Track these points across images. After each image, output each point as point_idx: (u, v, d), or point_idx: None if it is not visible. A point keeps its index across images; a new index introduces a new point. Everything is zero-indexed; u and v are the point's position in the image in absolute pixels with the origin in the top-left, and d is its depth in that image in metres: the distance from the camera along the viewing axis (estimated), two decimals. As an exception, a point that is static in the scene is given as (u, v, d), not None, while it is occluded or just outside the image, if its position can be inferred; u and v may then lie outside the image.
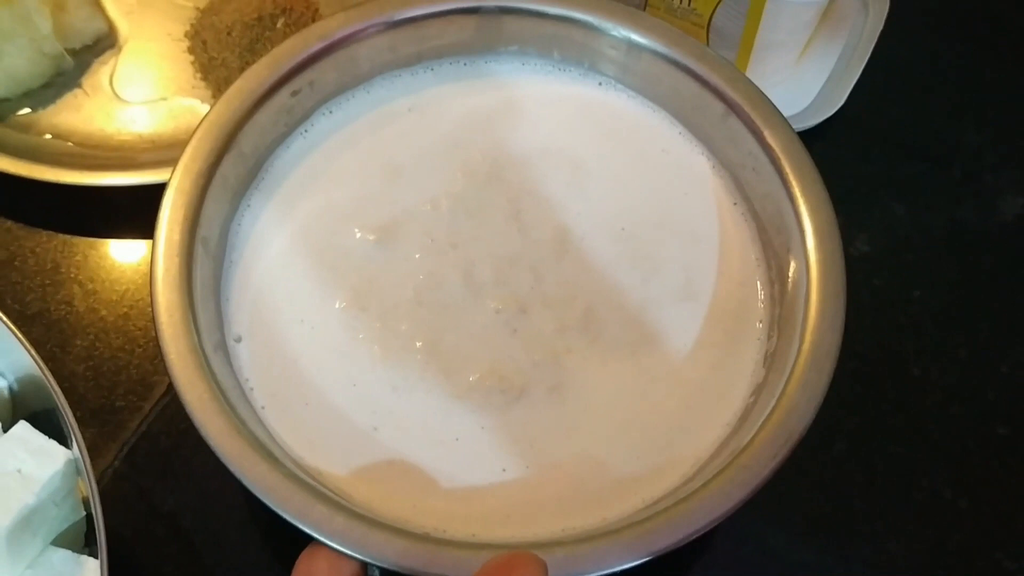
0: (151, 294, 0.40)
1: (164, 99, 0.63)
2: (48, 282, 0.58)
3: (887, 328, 0.59)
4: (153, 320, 0.40)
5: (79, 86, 0.63)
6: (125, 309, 0.57)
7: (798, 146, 0.45)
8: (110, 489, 0.52)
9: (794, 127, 0.45)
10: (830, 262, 0.42)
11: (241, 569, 0.51)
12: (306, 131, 0.48)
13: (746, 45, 0.59)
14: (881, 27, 0.65)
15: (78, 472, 0.43)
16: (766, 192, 0.45)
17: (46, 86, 0.63)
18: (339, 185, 0.47)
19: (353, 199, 0.46)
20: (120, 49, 0.65)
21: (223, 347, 0.42)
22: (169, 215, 0.42)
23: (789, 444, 0.38)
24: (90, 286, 0.58)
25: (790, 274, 0.44)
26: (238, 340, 0.43)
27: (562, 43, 0.49)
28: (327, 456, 0.41)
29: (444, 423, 0.41)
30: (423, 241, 0.45)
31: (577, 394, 0.43)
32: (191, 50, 0.64)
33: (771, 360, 0.43)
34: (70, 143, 0.61)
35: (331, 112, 0.48)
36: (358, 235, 0.45)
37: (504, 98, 0.49)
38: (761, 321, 0.44)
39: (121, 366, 0.55)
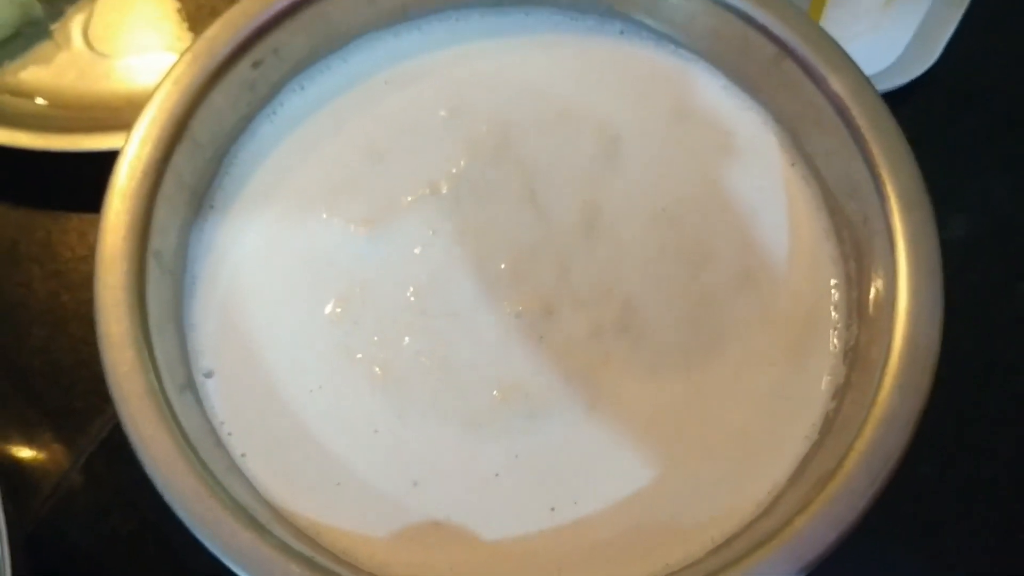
0: (95, 327, 0.33)
1: (145, 52, 0.56)
2: (4, 262, 0.51)
3: (987, 329, 0.50)
4: (100, 360, 0.32)
5: (49, 36, 0.56)
6: (90, 294, 0.50)
7: (869, 92, 0.37)
8: (64, 505, 0.46)
9: (878, 87, 0.37)
10: (920, 232, 0.35)
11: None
12: (274, 112, 0.40)
13: None
14: None
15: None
16: (831, 149, 0.38)
17: (11, 37, 0.56)
18: (318, 175, 0.39)
19: (336, 188, 0.39)
20: None
21: (191, 385, 0.35)
22: (110, 225, 0.35)
23: (889, 466, 0.32)
24: (51, 267, 0.51)
25: (868, 249, 0.37)
26: (208, 375, 0.36)
27: (573, -18, 0.41)
28: (330, 512, 0.34)
29: (474, 457, 0.35)
30: (423, 234, 0.38)
31: (622, 412, 0.36)
32: None
33: (853, 355, 0.36)
34: (37, 100, 0.55)
35: (303, 87, 0.41)
36: (344, 230, 0.38)
37: (508, 58, 0.42)
38: (836, 307, 0.38)
39: (82, 360, 0.49)
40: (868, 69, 0.42)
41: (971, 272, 0.51)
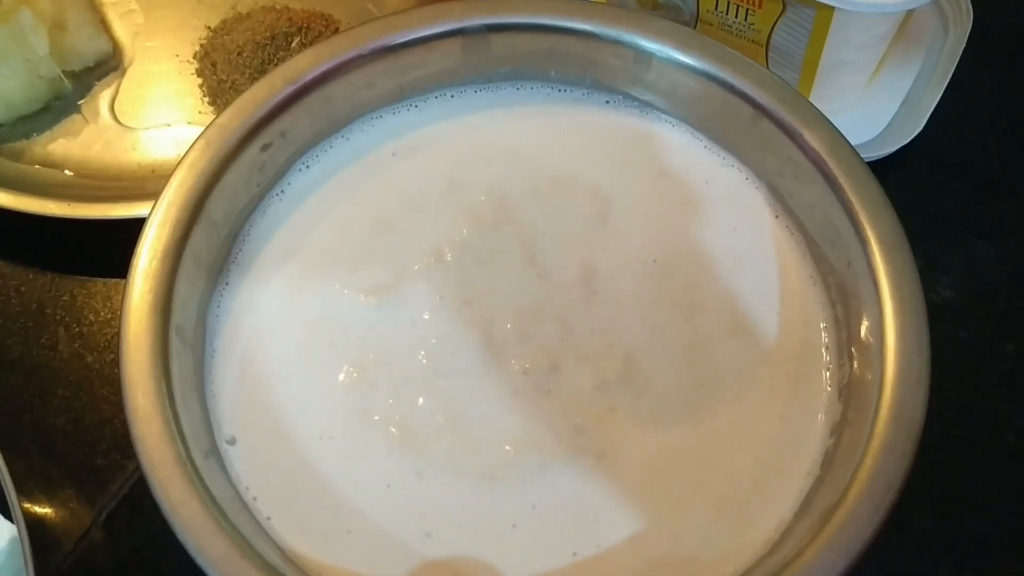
0: (123, 400, 0.34)
1: (168, 125, 0.58)
2: (31, 324, 0.53)
3: (975, 387, 0.50)
4: (128, 431, 0.34)
5: (78, 111, 0.59)
6: (113, 355, 0.51)
7: (844, 145, 0.40)
8: (85, 561, 0.46)
9: (865, 156, 0.39)
10: (902, 273, 0.37)
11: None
12: (282, 191, 0.42)
13: (810, 64, 0.52)
14: (963, 45, 0.57)
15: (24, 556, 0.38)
16: (811, 201, 0.40)
17: (42, 111, 0.59)
18: (326, 248, 0.41)
19: (344, 261, 0.41)
20: (124, 72, 0.61)
21: (215, 452, 0.36)
22: (135, 305, 0.36)
23: (891, 494, 0.33)
24: (76, 329, 0.52)
25: (854, 291, 0.38)
26: (231, 442, 0.37)
27: (560, 58, 0.44)
28: (357, 570, 0.35)
29: (492, 510, 0.36)
30: (430, 299, 0.40)
31: (630, 460, 0.37)
32: (199, 72, 0.60)
33: (847, 392, 0.38)
34: (65, 172, 0.57)
35: (308, 167, 0.43)
36: (354, 300, 0.40)
37: (502, 130, 0.44)
38: (827, 348, 0.39)
39: (105, 419, 0.50)
40: (856, 139, 0.45)
41: (959, 333, 0.52)
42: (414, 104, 0.44)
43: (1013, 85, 0.61)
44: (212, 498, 0.33)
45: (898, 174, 0.55)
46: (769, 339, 0.39)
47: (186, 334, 0.37)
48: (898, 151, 0.54)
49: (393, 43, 0.42)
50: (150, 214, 0.38)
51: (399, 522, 0.36)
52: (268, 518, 0.36)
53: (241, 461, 0.37)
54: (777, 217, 0.42)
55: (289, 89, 0.41)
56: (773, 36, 0.51)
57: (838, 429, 0.37)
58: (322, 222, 0.42)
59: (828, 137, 0.40)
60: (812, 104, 0.41)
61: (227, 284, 0.40)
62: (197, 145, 0.39)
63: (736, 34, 0.52)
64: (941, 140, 0.56)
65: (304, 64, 0.41)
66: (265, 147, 0.41)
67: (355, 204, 0.42)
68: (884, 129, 0.55)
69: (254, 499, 0.36)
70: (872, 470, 0.33)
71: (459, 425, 0.37)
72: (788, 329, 0.40)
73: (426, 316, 0.40)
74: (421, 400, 0.38)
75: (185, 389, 0.36)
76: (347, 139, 0.44)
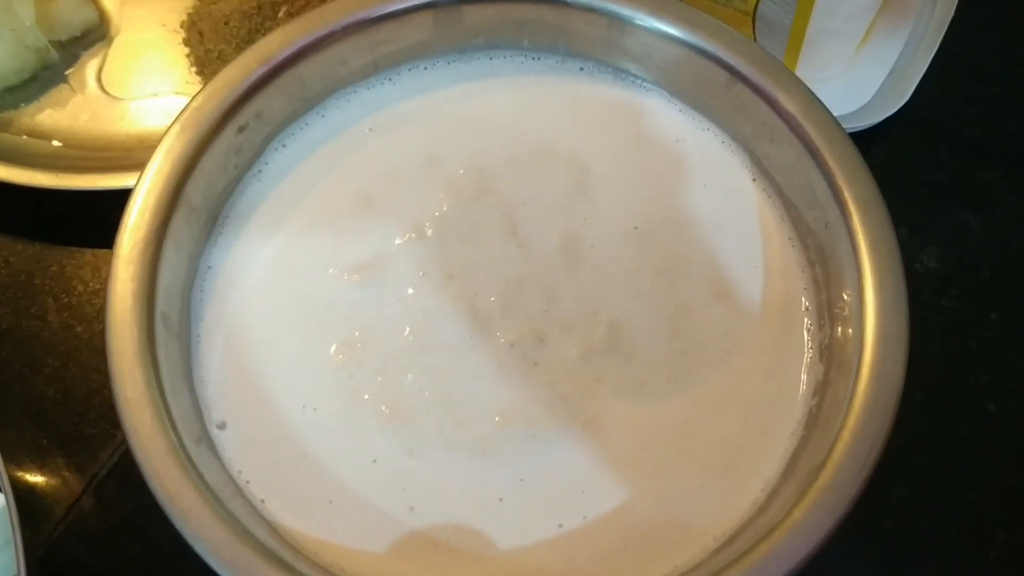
0: (112, 392, 0.34)
1: (156, 96, 0.58)
2: (21, 295, 0.53)
3: (958, 356, 0.51)
4: (120, 423, 0.34)
5: (65, 81, 0.59)
6: (102, 326, 0.51)
7: (819, 107, 0.40)
8: (76, 529, 0.47)
9: (852, 126, 0.40)
10: (879, 233, 0.37)
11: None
12: (260, 171, 0.42)
13: (797, 34, 0.51)
14: (951, 14, 0.56)
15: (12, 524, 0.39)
16: (789, 163, 0.41)
17: (29, 81, 0.58)
18: (306, 227, 0.41)
19: (325, 240, 0.41)
20: (111, 41, 0.60)
21: (206, 438, 0.36)
22: (118, 294, 0.36)
23: (874, 452, 0.34)
24: (65, 299, 0.53)
25: (832, 252, 0.39)
26: (221, 427, 0.37)
27: (533, 27, 0.44)
28: (350, 548, 0.35)
29: (480, 483, 0.36)
30: (414, 275, 0.40)
31: (617, 427, 0.38)
32: (187, 42, 0.59)
33: (828, 353, 0.38)
34: (53, 142, 0.57)
35: (284, 146, 0.43)
36: (338, 278, 0.40)
37: (477, 101, 0.44)
38: (808, 310, 0.40)
39: (94, 388, 0.51)
40: (843, 109, 0.47)
41: (943, 302, 0.53)
42: (388, 78, 0.44)
43: (1000, 55, 0.61)
44: (207, 485, 0.33)
45: (885, 144, 0.55)
46: (751, 302, 0.40)
47: (171, 322, 0.37)
48: (885, 121, 0.53)
49: (365, 19, 0.42)
50: (128, 201, 0.37)
51: (387, 497, 0.36)
52: (262, 500, 0.36)
53: (232, 445, 0.37)
54: (755, 180, 0.42)
55: (262, 69, 0.40)
56: (760, 6, 0.51)
57: (821, 389, 0.38)
58: (301, 200, 0.42)
59: (803, 100, 0.40)
60: (786, 67, 0.41)
61: (209, 268, 0.40)
62: (172, 130, 0.39)
63: (723, 3, 0.52)
64: (928, 110, 0.57)
65: (276, 43, 0.41)
66: (241, 129, 0.40)
67: (334, 181, 0.42)
68: (871, 99, 0.55)
69: (247, 482, 0.36)
70: (855, 429, 0.34)
71: (448, 400, 0.38)
72: (769, 292, 0.40)
73: (410, 292, 0.40)
74: (409, 376, 0.38)
75: (173, 377, 0.36)
76: (322, 116, 0.43)
